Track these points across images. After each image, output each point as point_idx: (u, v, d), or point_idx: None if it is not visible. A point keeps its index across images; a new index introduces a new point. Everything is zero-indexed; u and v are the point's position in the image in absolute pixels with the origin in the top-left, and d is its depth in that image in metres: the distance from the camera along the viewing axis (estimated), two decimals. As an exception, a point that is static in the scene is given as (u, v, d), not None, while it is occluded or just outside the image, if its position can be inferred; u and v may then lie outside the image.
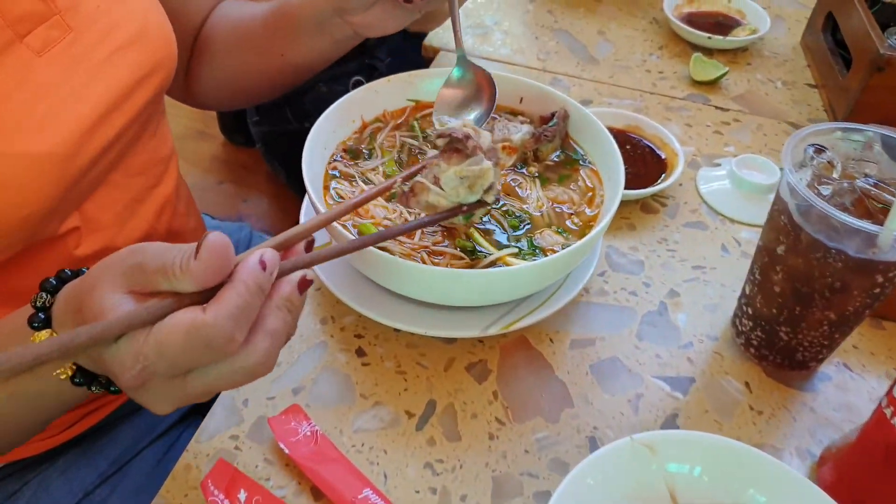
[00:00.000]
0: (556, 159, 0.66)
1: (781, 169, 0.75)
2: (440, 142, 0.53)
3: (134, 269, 0.38)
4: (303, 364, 0.58)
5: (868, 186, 0.51)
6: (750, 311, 0.58)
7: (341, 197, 0.62)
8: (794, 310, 0.54)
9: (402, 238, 0.58)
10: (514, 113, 0.70)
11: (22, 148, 0.51)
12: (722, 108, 0.86)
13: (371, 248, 0.52)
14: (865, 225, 0.46)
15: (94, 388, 0.45)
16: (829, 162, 0.52)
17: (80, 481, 0.73)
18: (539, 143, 0.64)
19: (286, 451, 0.51)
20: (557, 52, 0.94)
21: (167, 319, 0.36)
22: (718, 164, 0.78)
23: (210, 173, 1.79)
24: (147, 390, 0.39)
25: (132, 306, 0.38)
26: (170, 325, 0.36)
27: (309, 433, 0.53)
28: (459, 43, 0.65)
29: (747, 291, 0.59)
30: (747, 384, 0.59)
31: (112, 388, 0.45)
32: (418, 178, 0.53)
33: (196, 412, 0.84)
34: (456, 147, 0.53)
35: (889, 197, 0.50)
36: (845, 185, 0.51)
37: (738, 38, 0.93)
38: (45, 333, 0.43)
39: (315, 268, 0.60)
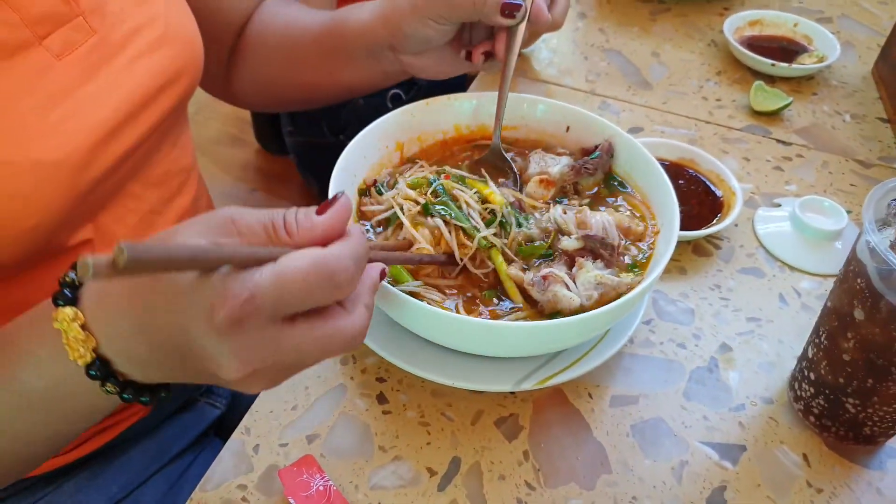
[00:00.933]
0: (596, 192, 0.62)
1: (849, 212, 0.70)
2: (581, 242, 0.54)
3: (225, 221, 0.36)
4: (319, 409, 0.54)
5: (960, 251, 0.45)
6: (812, 377, 0.52)
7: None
8: (866, 382, 0.48)
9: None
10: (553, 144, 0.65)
11: (31, 156, 0.48)
12: (784, 142, 0.80)
13: (398, 291, 0.48)
14: None
15: (108, 388, 0.41)
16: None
17: (89, 507, 0.70)
18: (579, 176, 0.60)
19: (292, 497, 0.47)
20: (608, 74, 0.89)
21: (288, 255, 0.35)
22: (779, 205, 0.72)
23: (242, 181, 1.78)
24: (240, 334, 0.34)
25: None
26: (294, 256, 0.35)
27: (322, 488, 0.49)
28: (497, 135, 0.62)
29: (810, 354, 0.53)
30: (805, 457, 0.53)
31: (126, 395, 0.41)
32: (553, 269, 0.52)
33: (213, 435, 0.81)
34: (599, 252, 0.53)
35: None
36: (934, 247, 0.45)
37: (804, 65, 0.87)
38: (69, 311, 0.39)
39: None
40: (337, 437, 0.52)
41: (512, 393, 0.55)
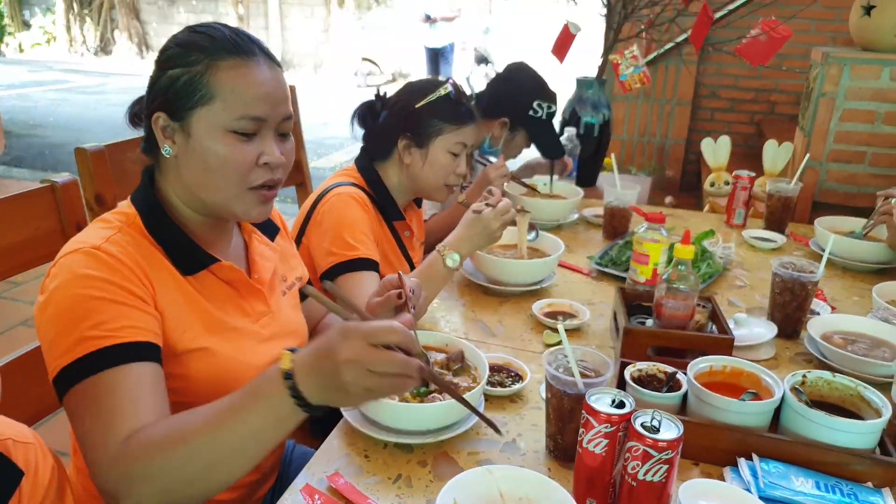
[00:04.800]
0: (457, 368, 1.40)
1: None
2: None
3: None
4: (341, 461, 1.24)
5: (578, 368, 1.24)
6: (548, 433, 1.26)
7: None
8: (559, 425, 1.23)
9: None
10: (443, 351, 1.45)
11: (254, 362, 1.25)
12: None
13: (375, 398, 1.23)
14: (569, 379, 1.18)
15: (296, 400, 0.93)
16: (565, 360, 1.26)
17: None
18: (450, 361, 1.39)
19: (335, 486, 1.16)
20: (475, 331, 1.73)
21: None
22: (552, 381, 1.50)
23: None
24: (350, 362, 0.89)
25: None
26: (375, 321, 0.94)
27: (344, 482, 1.17)
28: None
29: (546, 422, 1.27)
30: (549, 469, 1.24)
31: (306, 408, 0.93)
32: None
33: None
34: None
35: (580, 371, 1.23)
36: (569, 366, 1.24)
37: (572, 322, 1.73)
38: (287, 355, 0.95)
39: (348, 419, 1.30)
40: (349, 469, 1.22)
41: (424, 452, 1.26)
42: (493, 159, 2.25)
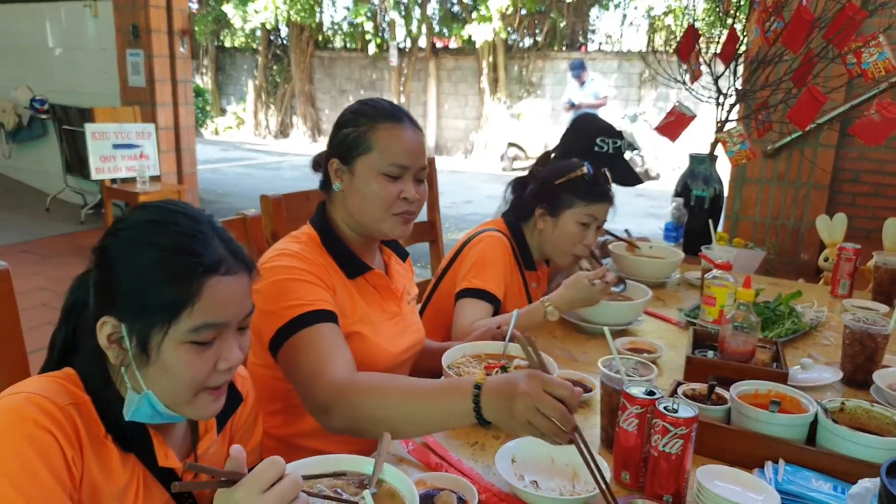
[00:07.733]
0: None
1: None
2: None
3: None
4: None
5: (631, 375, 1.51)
6: (601, 424, 1.53)
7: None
8: (609, 417, 1.49)
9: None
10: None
11: (392, 350, 1.69)
12: (631, 380, 1.87)
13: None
14: (618, 377, 1.46)
15: (476, 406, 1.23)
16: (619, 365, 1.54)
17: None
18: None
19: (426, 441, 1.50)
20: (561, 358, 2.02)
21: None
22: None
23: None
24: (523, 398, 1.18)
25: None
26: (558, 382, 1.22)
27: (433, 440, 1.51)
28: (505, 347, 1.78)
29: (600, 416, 1.54)
30: (599, 453, 1.50)
31: (481, 419, 1.23)
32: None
33: None
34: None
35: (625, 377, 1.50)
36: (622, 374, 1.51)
37: (650, 356, 1.97)
38: (483, 374, 1.38)
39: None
40: (439, 434, 1.55)
41: (497, 428, 1.57)
42: None
